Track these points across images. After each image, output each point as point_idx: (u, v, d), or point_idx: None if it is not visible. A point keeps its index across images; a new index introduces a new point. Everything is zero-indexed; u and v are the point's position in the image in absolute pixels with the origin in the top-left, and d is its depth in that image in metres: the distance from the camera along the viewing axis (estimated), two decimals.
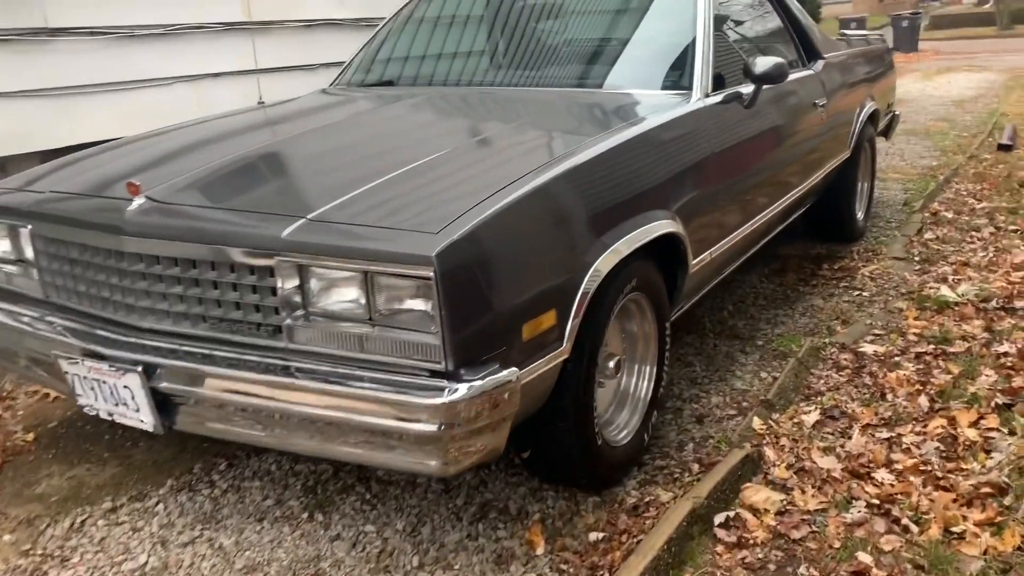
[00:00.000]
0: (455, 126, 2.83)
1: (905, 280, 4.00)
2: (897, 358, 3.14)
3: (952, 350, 3.17)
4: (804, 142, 3.57)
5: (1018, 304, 3.56)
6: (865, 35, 5.02)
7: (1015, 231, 4.64)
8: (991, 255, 4.27)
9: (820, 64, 3.89)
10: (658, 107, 2.63)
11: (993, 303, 3.57)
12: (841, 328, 3.49)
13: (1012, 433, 2.52)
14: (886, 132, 5.45)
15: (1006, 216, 4.95)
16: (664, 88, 2.83)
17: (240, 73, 4.25)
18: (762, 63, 2.88)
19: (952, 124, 8.76)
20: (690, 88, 2.78)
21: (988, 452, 2.45)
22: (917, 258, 4.30)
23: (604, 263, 2.07)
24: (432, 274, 1.65)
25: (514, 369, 1.78)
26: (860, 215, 4.71)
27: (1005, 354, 3.07)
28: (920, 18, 21.93)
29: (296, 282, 1.80)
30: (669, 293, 2.59)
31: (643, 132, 2.40)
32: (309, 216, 1.85)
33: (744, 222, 2.99)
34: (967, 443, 2.50)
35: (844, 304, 3.76)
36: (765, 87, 2.98)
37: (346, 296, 1.79)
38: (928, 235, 4.70)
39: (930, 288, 3.83)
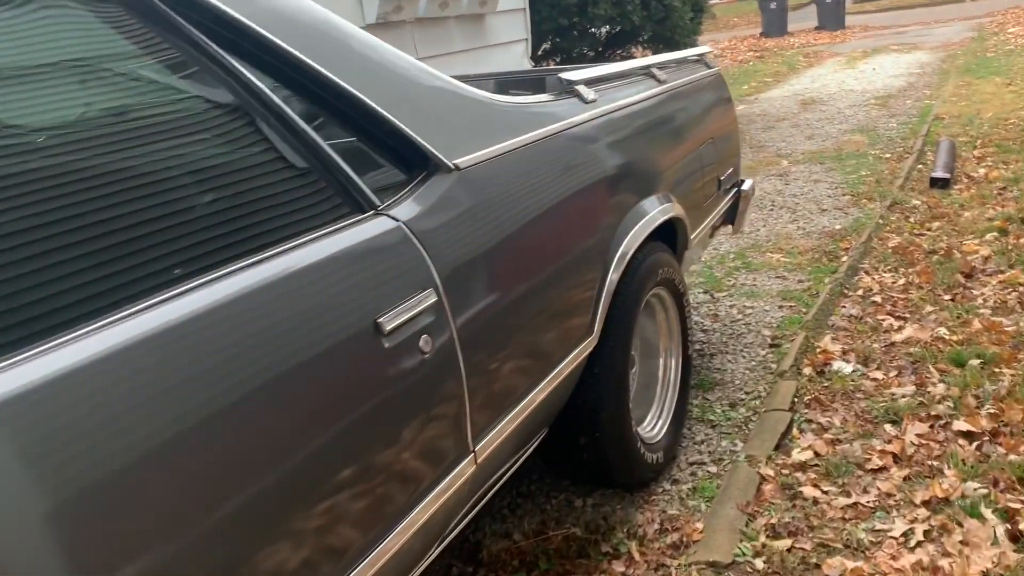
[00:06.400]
0: None
1: None
2: None
3: None
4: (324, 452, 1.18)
5: None
6: (647, 66, 2.57)
7: (968, 436, 2.29)
8: (919, 538, 1.93)
9: (435, 189, 1.48)
10: None
11: None
12: None
13: None
14: (731, 218, 3.11)
15: (950, 381, 2.60)
16: None
17: None
18: None
19: (873, 138, 6.48)
20: None
21: None
22: (762, 566, 1.94)
23: None
24: None
25: None
26: (656, 429, 2.34)
27: None
28: None
29: None
30: None
31: None
32: None
33: None
34: None
35: None
36: None
37: None
38: (799, 451, 2.34)
39: None
